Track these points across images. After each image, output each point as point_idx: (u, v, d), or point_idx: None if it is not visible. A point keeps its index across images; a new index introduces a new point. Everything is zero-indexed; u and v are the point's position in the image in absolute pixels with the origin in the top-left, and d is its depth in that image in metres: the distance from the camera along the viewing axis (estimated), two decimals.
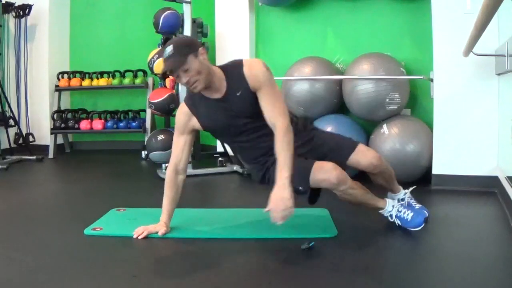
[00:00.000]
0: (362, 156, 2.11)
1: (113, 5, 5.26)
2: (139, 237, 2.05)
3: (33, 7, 4.81)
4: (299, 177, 1.94)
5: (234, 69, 1.96)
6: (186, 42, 1.93)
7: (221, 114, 1.99)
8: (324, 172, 1.94)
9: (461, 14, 2.91)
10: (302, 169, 1.96)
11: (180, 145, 2.09)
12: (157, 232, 2.08)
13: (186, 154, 2.11)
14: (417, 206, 2.26)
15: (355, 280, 1.63)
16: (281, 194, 1.82)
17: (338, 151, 2.13)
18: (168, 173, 2.13)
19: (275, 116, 1.92)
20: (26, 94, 4.94)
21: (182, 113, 2.06)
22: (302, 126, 2.18)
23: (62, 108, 4.94)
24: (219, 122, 2.02)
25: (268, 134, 1.97)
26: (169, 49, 1.86)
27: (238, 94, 1.95)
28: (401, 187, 2.34)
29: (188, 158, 2.14)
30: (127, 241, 2.04)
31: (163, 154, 3.55)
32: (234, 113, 1.98)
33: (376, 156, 2.12)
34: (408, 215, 2.12)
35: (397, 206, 2.16)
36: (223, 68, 2.00)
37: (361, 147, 2.14)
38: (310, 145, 2.15)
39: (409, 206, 2.22)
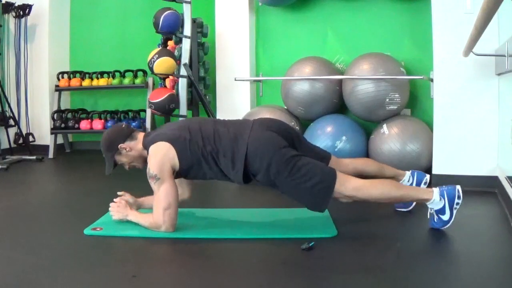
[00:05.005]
0: None
1: (113, 5, 5.25)
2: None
3: (33, 7, 4.80)
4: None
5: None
6: (106, 147, 2.29)
7: None
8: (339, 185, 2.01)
9: (461, 14, 2.91)
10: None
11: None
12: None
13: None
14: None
15: (355, 280, 1.63)
16: (126, 212, 2.27)
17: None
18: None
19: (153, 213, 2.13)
20: (26, 94, 4.93)
21: None
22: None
23: (62, 108, 4.93)
24: None
25: (220, 162, 2.12)
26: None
27: None
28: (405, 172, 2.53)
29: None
30: (127, 241, 2.05)
31: None
32: None
33: None
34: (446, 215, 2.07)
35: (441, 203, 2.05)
36: (145, 147, 2.29)
37: None
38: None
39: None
